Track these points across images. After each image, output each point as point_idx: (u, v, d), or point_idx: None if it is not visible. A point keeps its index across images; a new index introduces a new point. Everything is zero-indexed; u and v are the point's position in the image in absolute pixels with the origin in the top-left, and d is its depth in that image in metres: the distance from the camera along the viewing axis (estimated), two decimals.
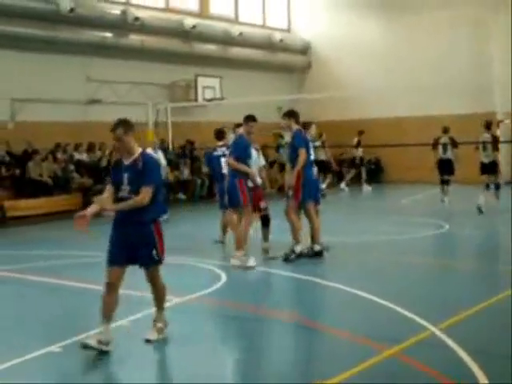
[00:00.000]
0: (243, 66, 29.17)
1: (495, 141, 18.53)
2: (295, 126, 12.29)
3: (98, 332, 6.97)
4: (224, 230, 13.67)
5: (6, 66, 21.46)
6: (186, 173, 24.21)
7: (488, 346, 7.16)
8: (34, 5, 21.83)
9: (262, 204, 12.33)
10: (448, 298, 9.46)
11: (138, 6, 25.38)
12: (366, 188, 26.95)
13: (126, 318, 8.15)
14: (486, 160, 18.44)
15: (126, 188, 7.10)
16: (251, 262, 11.49)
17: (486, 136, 18.51)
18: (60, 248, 13.88)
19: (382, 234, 15.12)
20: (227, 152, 12.44)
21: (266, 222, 12.46)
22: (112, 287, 7.09)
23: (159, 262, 7.28)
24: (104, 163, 21.55)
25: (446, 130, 20.27)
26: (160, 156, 18.62)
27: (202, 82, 26.57)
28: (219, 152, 13.36)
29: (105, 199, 7.18)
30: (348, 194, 25.97)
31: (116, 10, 24.33)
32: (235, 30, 28.67)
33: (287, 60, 31.84)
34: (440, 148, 20.11)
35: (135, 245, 7.08)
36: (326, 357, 7.14)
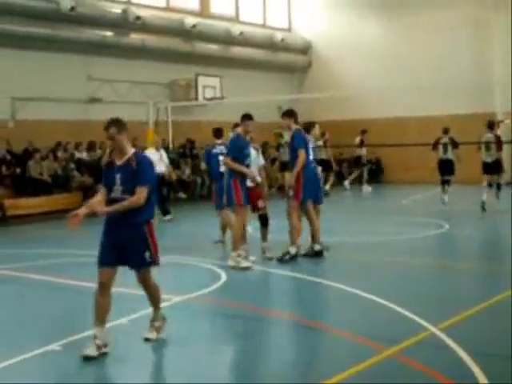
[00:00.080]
0: (244, 66, 29.18)
1: (499, 140, 18.57)
2: (294, 126, 12.28)
3: (93, 336, 6.88)
4: (223, 229, 13.67)
5: (7, 65, 21.46)
6: (187, 172, 24.21)
7: (488, 346, 7.15)
8: (35, 3, 21.84)
9: (260, 203, 12.24)
10: (448, 297, 9.46)
11: (138, 5, 25.37)
12: (366, 188, 26.93)
13: (126, 316, 8.15)
14: (488, 159, 18.48)
15: (118, 188, 7.00)
16: (245, 263, 11.41)
17: (489, 136, 18.56)
18: (60, 247, 13.89)
19: (382, 234, 15.11)
20: (225, 151, 12.43)
21: (264, 221, 12.37)
22: (103, 287, 6.98)
23: (152, 263, 7.18)
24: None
25: (446, 131, 20.30)
26: (163, 155, 18.66)
27: (203, 81, 26.57)
28: (218, 150, 13.36)
29: (95, 202, 7.04)
30: (350, 193, 25.94)
31: (117, 9, 24.34)
32: (236, 29, 28.66)
33: (288, 59, 31.84)
34: (440, 148, 20.12)
35: (127, 246, 6.97)
36: (326, 356, 7.15)
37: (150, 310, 7.57)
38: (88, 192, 19.95)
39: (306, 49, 32.71)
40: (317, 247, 12.36)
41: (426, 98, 26.23)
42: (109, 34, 24.23)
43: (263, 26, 31.42)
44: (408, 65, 28.64)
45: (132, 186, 6.95)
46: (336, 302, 9.73)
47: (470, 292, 10.09)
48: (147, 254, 7.06)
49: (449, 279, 10.84)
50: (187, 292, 9.69)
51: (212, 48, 27.96)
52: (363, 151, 26.95)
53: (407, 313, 8.25)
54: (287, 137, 13.43)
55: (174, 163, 23.08)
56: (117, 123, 7.13)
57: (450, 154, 20.10)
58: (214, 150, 13.56)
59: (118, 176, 7.03)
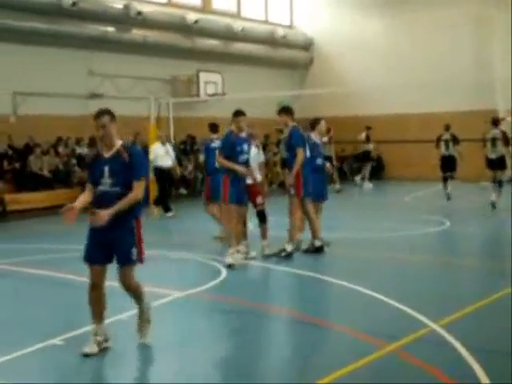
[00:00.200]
0: (245, 62, 29.16)
1: (506, 136, 18.62)
2: (291, 123, 12.19)
3: (93, 333, 6.88)
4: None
5: (8, 60, 21.45)
6: (189, 168, 24.22)
7: (488, 343, 7.16)
8: None
9: (259, 199, 12.14)
10: (448, 294, 9.46)
11: (140, 1, 25.34)
12: (367, 185, 26.94)
13: (124, 312, 8.15)
14: (493, 156, 18.50)
15: (107, 181, 6.79)
16: (230, 260, 11.25)
17: (496, 132, 18.61)
18: (60, 242, 13.89)
19: (382, 230, 15.12)
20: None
21: (262, 217, 12.26)
22: (96, 286, 6.89)
23: (137, 261, 6.92)
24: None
25: (447, 127, 20.38)
26: (169, 149, 18.73)
27: (204, 77, 26.56)
28: (215, 144, 13.39)
29: (99, 214, 6.61)
30: (349, 190, 25.89)
31: (118, 5, 24.31)
32: (237, 25, 28.65)
33: (289, 56, 31.82)
34: (442, 145, 20.22)
35: (114, 242, 6.77)
36: (325, 352, 7.14)
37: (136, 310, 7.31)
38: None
39: (307, 45, 32.69)
40: (317, 243, 12.36)
41: (428, 94, 26.24)
42: (110, 29, 24.21)
43: (265, 22, 31.39)
44: (409, 62, 28.64)
45: (122, 179, 6.77)
46: (336, 298, 9.74)
47: (470, 289, 10.11)
48: (134, 251, 6.85)
49: (449, 276, 10.85)
50: (187, 288, 9.71)
51: (213, 44, 27.93)
52: (370, 146, 27.00)
53: (407, 309, 8.26)
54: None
55: (176, 159, 23.10)
56: (109, 112, 6.90)
57: (452, 151, 20.18)
58: (213, 144, 13.61)
59: (106, 168, 6.82)
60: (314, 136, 12.95)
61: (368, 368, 6.38)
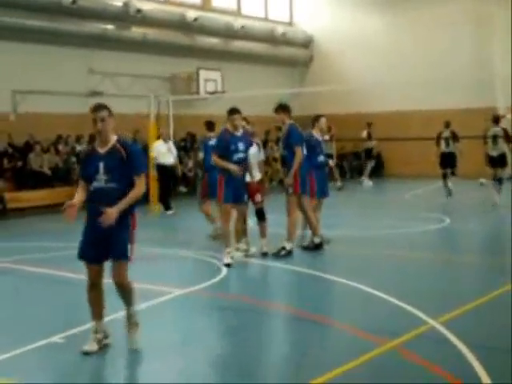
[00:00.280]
0: (245, 60, 29.16)
1: (507, 134, 18.68)
2: (288, 121, 12.14)
3: (93, 331, 6.87)
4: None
5: (8, 58, 21.46)
6: (189, 165, 24.22)
7: (488, 340, 7.16)
8: None
9: (258, 197, 12.04)
10: (448, 291, 9.47)
11: None
12: (367, 182, 26.94)
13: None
14: (494, 153, 18.56)
15: (102, 178, 6.67)
16: (225, 260, 11.18)
17: (497, 129, 18.67)
18: (60, 240, 13.89)
19: (382, 228, 15.12)
20: None
21: (260, 216, 12.17)
22: (94, 284, 6.84)
23: (129, 258, 6.78)
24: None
25: (447, 125, 20.55)
26: (171, 147, 18.74)
27: (204, 74, 26.55)
28: (213, 142, 13.40)
29: (107, 212, 6.48)
30: (350, 187, 25.89)
31: (118, 2, 24.30)
32: (237, 23, 28.65)
33: (289, 53, 31.82)
34: (442, 142, 20.37)
35: (110, 238, 6.64)
36: (325, 350, 7.15)
37: (124, 312, 7.09)
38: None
39: (307, 43, 32.69)
40: (316, 240, 12.37)
41: (428, 92, 26.22)
42: (110, 27, 24.22)
43: (265, 19, 31.38)
44: (410, 59, 28.62)
45: (118, 175, 6.66)
46: (336, 295, 9.76)
47: (470, 286, 10.12)
48: (129, 247, 6.75)
49: (449, 273, 10.86)
50: (188, 285, 9.72)
51: (213, 41, 27.94)
52: (372, 143, 27.03)
53: (407, 306, 8.27)
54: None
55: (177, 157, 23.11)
56: (107, 107, 6.79)
57: (452, 148, 20.33)
58: (210, 142, 13.61)
59: (101, 164, 6.69)
60: (315, 133, 12.94)
61: (368, 365, 6.38)
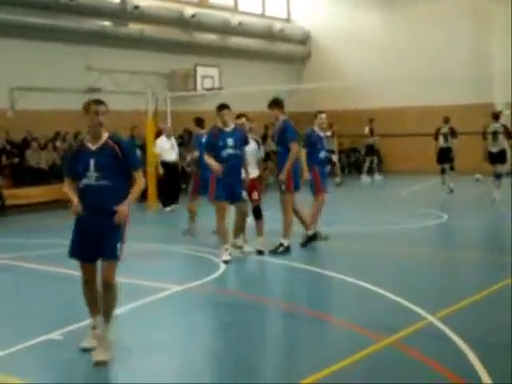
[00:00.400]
0: (242, 56, 29.14)
1: (507, 130, 18.75)
2: (282, 117, 12.05)
3: (92, 327, 6.86)
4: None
5: (6, 55, 21.42)
6: (188, 159, 24.14)
7: (486, 335, 7.18)
8: None
9: (254, 195, 11.96)
10: (446, 287, 9.50)
11: None
12: (365, 178, 27.01)
13: (122, 307, 8.17)
14: (494, 149, 18.62)
15: (92, 175, 6.50)
16: (224, 257, 11.17)
17: (497, 126, 18.75)
18: (59, 236, 13.83)
19: (381, 224, 15.14)
20: None
21: (256, 213, 12.09)
22: (89, 282, 6.78)
23: (119, 257, 6.62)
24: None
25: (446, 120, 20.74)
26: (174, 144, 18.74)
27: (202, 71, 26.53)
28: (204, 139, 13.47)
29: (120, 210, 6.43)
30: (349, 184, 25.90)
31: None
32: (235, 19, 28.63)
33: (287, 50, 31.80)
34: (441, 138, 20.55)
35: (102, 236, 6.52)
36: (323, 345, 7.16)
37: (98, 321, 6.79)
38: None
39: (304, 39, 32.67)
40: (310, 232, 12.35)
41: (426, 88, 26.19)
42: (108, 23, 24.18)
43: (262, 15, 31.36)
44: (407, 55, 28.60)
45: (110, 172, 6.52)
46: (334, 291, 9.78)
47: (469, 281, 10.14)
48: (119, 246, 6.59)
49: (447, 269, 10.89)
50: (186, 282, 9.74)
51: (211, 38, 27.91)
52: (374, 139, 27.12)
53: (405, 302, 8.28)
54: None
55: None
56: (104, 103, 6.69)
57: (450, 143, 20.48)
58: (203, 140, 13.65)
59: (92, 161, 6.52)
60: (317, 129, 12.96)
61: (366, 361, 6.40)
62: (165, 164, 18.46)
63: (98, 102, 6.66)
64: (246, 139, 11.56)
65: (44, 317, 8.24)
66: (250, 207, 12.17)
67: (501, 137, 18.57)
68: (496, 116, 19.00)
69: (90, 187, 6.54)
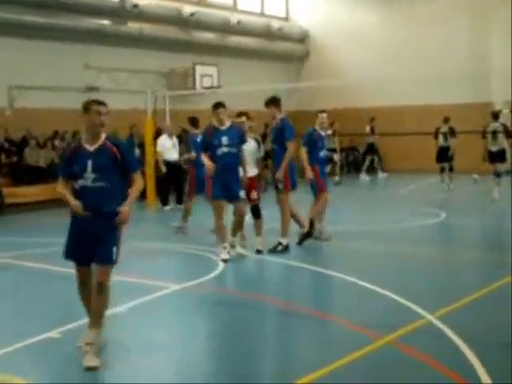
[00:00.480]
0: (241, 55, 29.13)
1: (506, 129, 18.80)
2: (279, 115, 12.03)
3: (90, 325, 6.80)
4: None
5: (5, 53, 21.40)
6: (185, 156, 24.15)
7: (485, 334, 7.19)
8: None
9: (253, 194, 11.88)
10: (445, 286, 9.50)
11: None
12: (364, 177, 27.05)
13: (122, 305, 8.19)
14: (494, 148, 18.67)
15: (89, 176, 6.39)
16: (223, 255, 11.15)
17: (496, 125, 18.80)
18: (58, 235, 13.80)
19: (380, 222, 15.16)
20: None
21: (255, 212, 12.06)
22: (84, 284, 6.71)
23: (115, 262, 6.53)
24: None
25: (446, 120, 20.88)
26: (175, 143, 18.74)
27: (200, 70, 26.51)
28: (199, 139, 13.55)
29: (123, 212, 6.39)
30: (350, 182, 25.90)
31: None
32: (234, 18, 28.63)
33: (285, 48, 31.78)
34: (441, 137, 20.71)
35: (98, 239, 6.43)
36: (322, 344, 7.16)
37: (88, 331, 6.56)
38: None
39: (303, 38, 32.66)
40: (304, 230, 12.35)
41: (424, 87, 26.21)
42: (106, 22, 24.18)
43: (261, 14, 31.35)
44: (405, 54, 28.59)
45: (107, 174, 6.42)
46: (334, 290, 9.79)
47: (468, 280, 10.14)
48: (114, 250, 6.48)
49: (446, 267, 10.90)
50: (185, 280, 9.75)
51: (210, 37, 27.90)
52: (375, 138, 27.16)
53: (404, 301, 8.29)
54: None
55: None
56: (105, 103, 6.59)
57: (449, 142, 20.62)
58: (198, 139, 13.74)
59: (89, 162, 6.40)
60: (318, 128, 12.99)
61: (364, 359, 6.40)
62: (166, 163, 18.42)
63: (100, 103, 6.55)
64: (243, 137, 11.42)
65: (43, 315, 8.25)
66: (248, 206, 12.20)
67: (500, 136, 18.61)
68: (495, 115, 19.06)
69: (86, 188, 6.44)
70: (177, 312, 8.51)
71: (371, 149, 27.55)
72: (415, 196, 21.00)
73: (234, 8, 29.90)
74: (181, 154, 20.06)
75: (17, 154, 20.69)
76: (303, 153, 12.68)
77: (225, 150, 11.11)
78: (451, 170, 21.15)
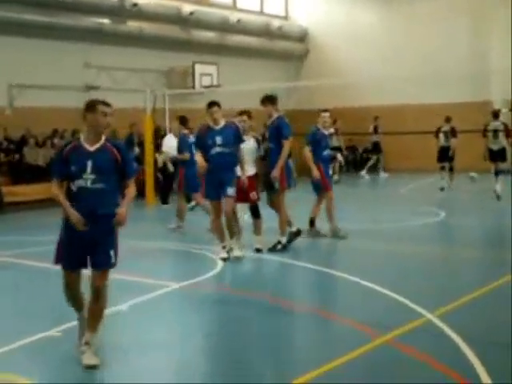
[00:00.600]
0: (240, 54, 29.12)
1: (507, 128, 18.84)
2: (276, 113, 12.00)
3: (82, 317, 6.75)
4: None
5: (4, 52, 21.40)
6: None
7: (485, 333, 7.19)
8: None
9: (252, 194, 11.77)
10: (445, 285, 9.51)
11: None
12: (365, 176, 27.09)
13: (122, 303, 8.20)
14: (494, 147, 18.71)
15: (89, 177, 6.19)
16: (222, 254, 11.13)
17: (497, 124, 18.86)
18: (57, 234, 13.85)
19: (379, 222, 15.17)
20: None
21: (254, 212, 12.00)
22: (71, 287, 6.46)
23: (114, 265, 6.39)
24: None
25: (448, 119, 20.97)
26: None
27: (200, 69, 26.51)
28: (192, 139, 13.68)
29: (120, 214, 6.22)
30: (350, 181, 25.88)
31: None
32: (233, 16, 28.63)
33: (285, 47, 31.77)
34: (442, 136, 20.76)
35: (94, 243, 6.24)
36: (322, 342, 7.17)
37: (87, 334, 6.49)
38: None
39: (302, 37, 32.66)
40: (293, 229, 12.31)
41: (423, 86, 26.20)
42: (106, 21, 24.17)
43: (260, 13, 31.34)
44: (405, 53, 28.59)
45: (107, 175, 6.25)
46: (333, 289, 9.79)
47: (468, 279, 10.15)
48: (112, 252, 6.32)
49: (446, 266, 10.91)
50: (184, 279, 9.75)
51: (209, 35, 27.90)
52: (379, 137, 27.17)
53: (404, 299, 8.29)
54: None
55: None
56: (110, 104, 6.45)
57: (450, 142, 20.71)
58: (190, 140, 13.87)
59: (89, 163, 6.20)
60: (321, 127, 13.01)
61: (364, 358, 6.41)
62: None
63: (105, 103, 6.38)
64: (239, 137, 11.23)
65: (43, 313, 8.24)
66: (246, 207, 12.19)
67: (501, 135, 18.66)
68: (496, 114, 19.09)
69: (85, 190, 6.23)
70: (176, 311, 8.51)
71: (376, 148, 27.56)
72: (415, 195, 21.00)
73: (233, 7, 29.91)
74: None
75: (16, 152, 20.68)
76: (307, 152, 12.70)
77: (218, 149, 11.02)
78: (451, 169, 21.17)
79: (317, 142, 12.70)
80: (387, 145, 28.61)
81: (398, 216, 15.95)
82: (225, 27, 28.35)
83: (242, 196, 11.59)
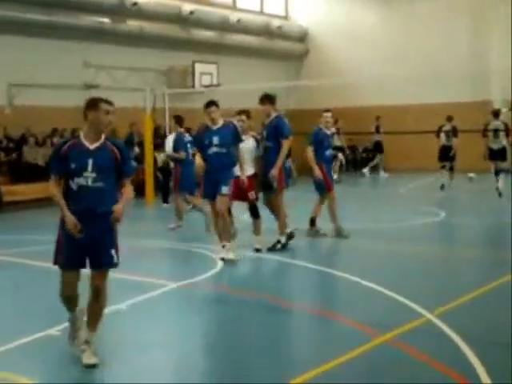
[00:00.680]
0: (240, 53, 29.13)
1: (507, 128, 18.88)
2: (274, 112, 11.98)
3: (78, 314, 6.64)
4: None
5: (4, 51, 21.40)
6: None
7: (485, 333, 7.18)
8: None
9: (251, 194, 11.69)
10: (445, 284, 9.50)
11: None
12: (367, 174, 27.15)
13: (121, 302, 8.18)
14: (495, 146, 18.74)
15: (89, 176, 6.11)
16: (221, 254, 11.05)
17: (497, 123, 18.89)
18: (56, 233, 13.88)
19: (380, 221, 15.16)
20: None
21: (253, 212, 11.91)
22: (70, 286, 6.35)
23: (116, 264, 6.35)
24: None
25: (450, 119, 21.04)
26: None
27: (200, 68, 26.54)
28: (188, 138, 13.71)
29: (117, 211, 6.14)
30: (351, 181, 25.87)
31: None
32: (233, 16, 28.63)
33: (284, 47, 31.78)
34: (443, 135, 20.84)
35: (95, 243, 6.17)
36: (320, 342, 7.16)
37: (86, 332, 6.45)
38: None
39: (302, 36, 32.67)
40: (287, 231, 12.22)
41: (424, 86, 26.21)
42: (106, 20, 24.17)
43: (260, 13, 31.34)
44: (405, 53, 28.60)
45: (107, 174, 6.18)
46: (333, 288, 9.79)
47: (468, 278, 10.13)
48: (113, 252, 6.27)
49: (446, 266, 10.90)
50: (184, 278, 9.73)
51: (209, 35, 27.90)
52: (381, 137, 27.20)
53: (403, 299, 8.28)
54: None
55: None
56: (112, 103, 6.37)
57: (452, 141, 20.77)
58: (186, 139, 13.85)
59: (90, 161, 6.12)
60: (323, 127, 13.02)
61: (364, 358, 6.40)
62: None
63: (108, 102, 6.30)
64: (237, 137, 11.15)
65: (41, 313, 8.22)
66: (245, 206, 12.17)
67: (501, 134, 18.70)
68: (496, 113, 19.12)
69: (85, 188, 6.14)
70: (175, 310, 8.50)
71: (378, 147, 27.58)
72: (415, 195, 21.00)
73: (233, 6, 29.91)
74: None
75: (16, 151, 20.67)
76: (310, 152, 12.70)
77: (215, 149, 10.96)
78: (451, 169, 21.20)
79: (319, 142, 12.72)
80: (387, 145, 28.61)
81: (398, 216, 15.95)
82: (225, 27, 28.34)
83: (241, 194, 11.53)
